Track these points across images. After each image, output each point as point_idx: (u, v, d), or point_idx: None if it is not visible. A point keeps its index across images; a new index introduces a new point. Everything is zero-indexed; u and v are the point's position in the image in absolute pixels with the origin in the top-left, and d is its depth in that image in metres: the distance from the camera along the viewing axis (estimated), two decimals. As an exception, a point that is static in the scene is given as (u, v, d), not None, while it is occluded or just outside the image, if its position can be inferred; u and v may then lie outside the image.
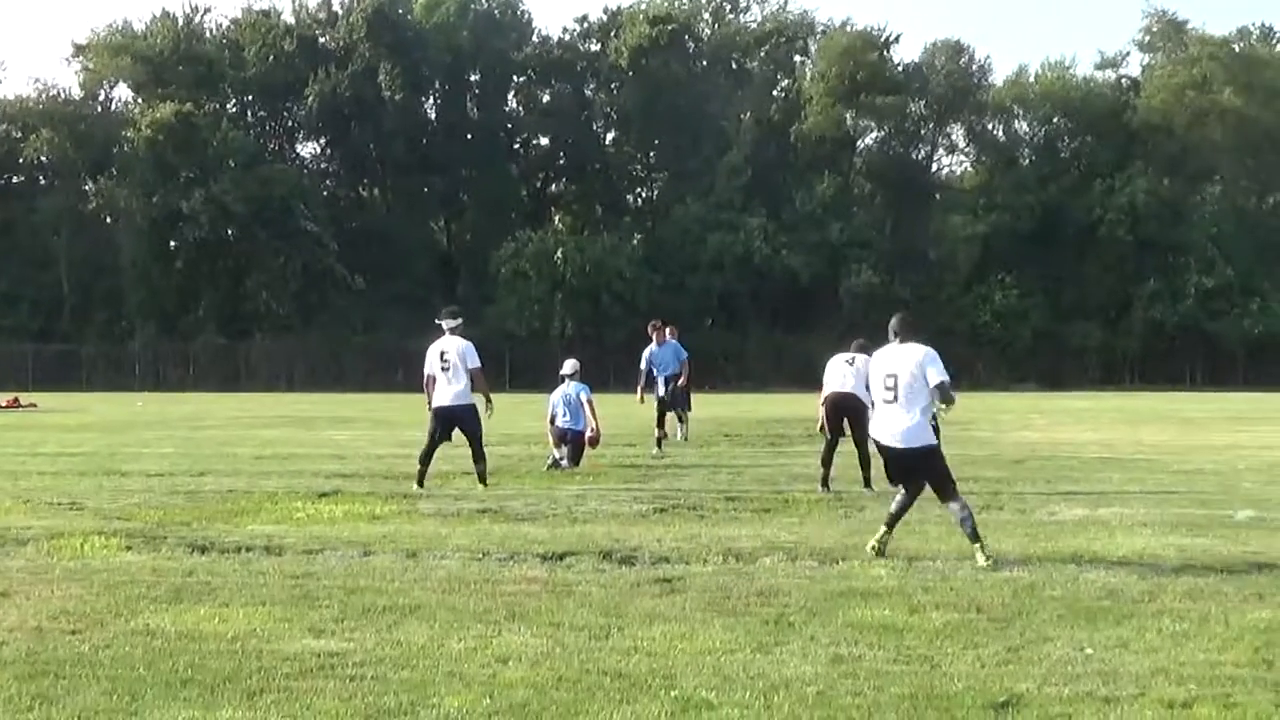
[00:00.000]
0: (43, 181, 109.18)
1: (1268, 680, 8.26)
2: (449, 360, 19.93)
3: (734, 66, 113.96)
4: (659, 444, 27.52)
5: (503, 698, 7.89)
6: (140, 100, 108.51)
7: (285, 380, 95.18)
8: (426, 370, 20.21)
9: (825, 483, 19.19)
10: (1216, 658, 8.83)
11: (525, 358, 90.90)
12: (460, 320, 20.58)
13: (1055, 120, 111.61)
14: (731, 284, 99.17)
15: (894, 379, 13.08)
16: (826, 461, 19.46)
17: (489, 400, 20.05)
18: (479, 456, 19.98)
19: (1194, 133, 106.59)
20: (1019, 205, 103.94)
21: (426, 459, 20.01)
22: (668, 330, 29.79)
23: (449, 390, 19.94)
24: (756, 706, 7.73)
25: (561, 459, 23.57)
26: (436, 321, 20.67)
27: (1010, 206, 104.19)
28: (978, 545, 12.41)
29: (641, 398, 29.01)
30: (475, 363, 20.01)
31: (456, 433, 20.00)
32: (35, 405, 57.45)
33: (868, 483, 19.16)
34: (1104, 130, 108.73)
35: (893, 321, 13.58)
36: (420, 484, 19.66)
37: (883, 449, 13.46)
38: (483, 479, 19.83)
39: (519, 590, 11.26)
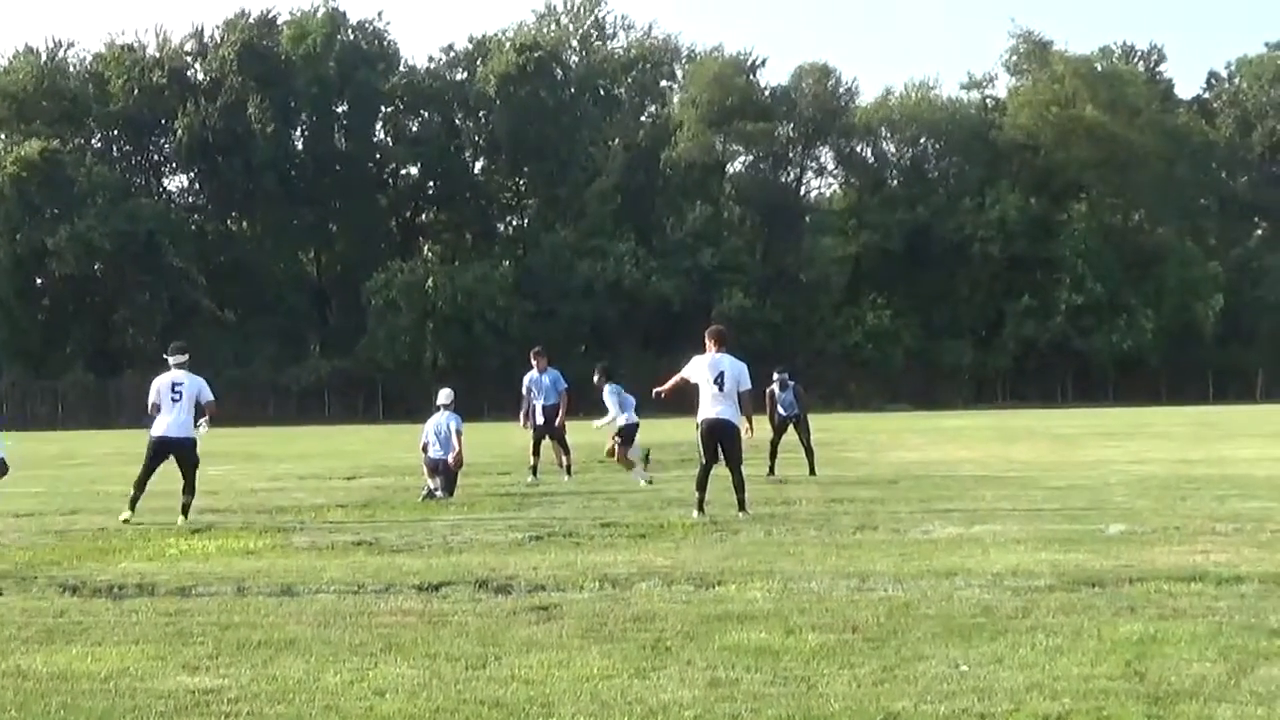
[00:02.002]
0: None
1: (1140, 692, 8.34)
2: (180, 392, 20.47)
3: (602, 93, 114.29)
4: (534, 472, 27.41)
5: (380, 731, 7.84)
6: (3, 137, 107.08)
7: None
8: (152, 400, 20.60)
9: (701, 507, 19.13)
10: (1090, 671, 8.91)
11: (398, 388, 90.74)
12: (187, 355, 20.84)
13: (922, 141, 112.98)
14: (603, 310, 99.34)
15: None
16: (701, 486, 19.35)
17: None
18: (191, 489, 20.36)
19: (1060, 151, 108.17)
20: (888, 226, 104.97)
21: (141, 485, 20.40)
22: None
23: (173, 421, 20.51)
24: (635, 732, 7.73)
25: (436, 489, 23.45)
26: (164, 356, 20.85)
27: (880, 227, 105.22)
28: None
29: (525, 423, 28.76)
30: (210, 397, 20.74)
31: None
32: (-101, 447, 56.33)
33: (742, 506, 19.13)
34: (971, 150, 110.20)
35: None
36: (133, 508, 20.11)
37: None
38: (186, 511, 20.08)
39: (395, 622, 11.18)
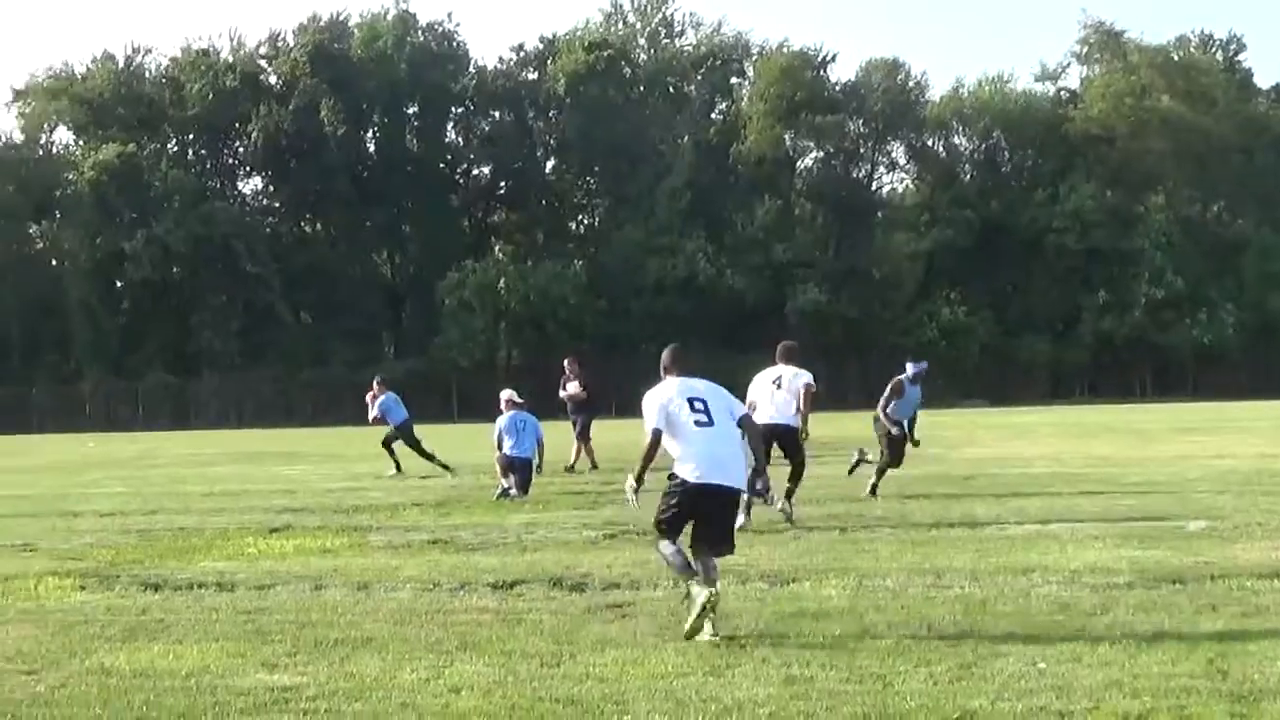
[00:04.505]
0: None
1: (1222, 691, 8.27)
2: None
3: (671, 91, 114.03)
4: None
5: (456, 728, 7.87)
6: (82, 142, 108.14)
7: (234, 417, 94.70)
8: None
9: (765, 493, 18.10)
10: (1171, 669, 8.83)
11: (472, 388, 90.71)
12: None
13: (995, 134, 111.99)
14: (675, 307, 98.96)
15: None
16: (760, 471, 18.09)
17: None
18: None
19: (1135, 142, 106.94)
20: (961, 220, 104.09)
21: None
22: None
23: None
24: (710, 730, 7.72)
25: (510, 488, 23.46)
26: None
27: (952, 222, 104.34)
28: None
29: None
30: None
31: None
32: (-14, 449, 57.06)
33: (789, 495, 18.36)
34: (1044, 142, 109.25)
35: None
36: None
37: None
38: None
39: (470, 620, 11.22)
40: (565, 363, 32.69)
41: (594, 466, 30.07)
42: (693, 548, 10.82)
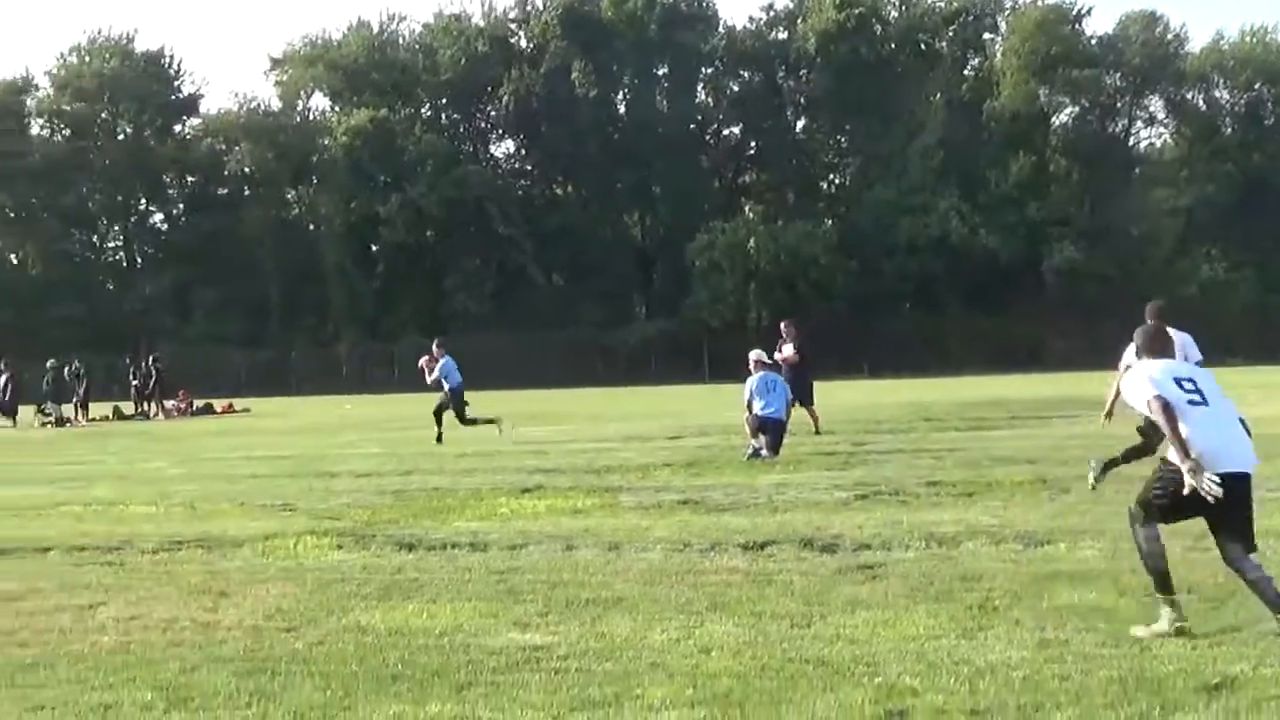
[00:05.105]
0: (247, 192, 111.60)
1: None
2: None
3: (922, 48, 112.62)
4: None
5: (706, 688, 7.89)
6: (336, 108, 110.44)
7: (486, 378, 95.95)
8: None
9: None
10: None
11: (722, 348, 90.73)
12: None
13: (1257, 86, 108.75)
14: (928, 266, 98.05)
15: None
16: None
17: None
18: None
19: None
20: (1221, 175, 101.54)
21: None
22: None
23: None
24: (961, 692, 7.64)
25: (761, 449, 23.41)
26: None
27: (1213, 177, 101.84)
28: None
29: None
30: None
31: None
32: (249, 410, 58.74)
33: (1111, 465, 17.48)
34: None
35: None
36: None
37: None
38: None
39: (720, 581, 11.25)
40: (781, 325, 32.29)
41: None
42: (1221, 547, 9.34)
